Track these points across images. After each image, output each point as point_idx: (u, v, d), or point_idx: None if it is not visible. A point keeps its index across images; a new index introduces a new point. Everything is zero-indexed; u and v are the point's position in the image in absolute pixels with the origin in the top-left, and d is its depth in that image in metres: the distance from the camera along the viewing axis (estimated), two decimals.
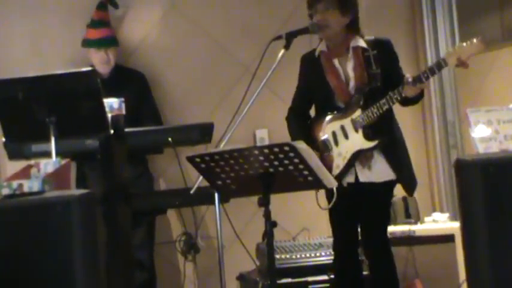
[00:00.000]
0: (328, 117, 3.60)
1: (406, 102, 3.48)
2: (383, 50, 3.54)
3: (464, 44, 3.36)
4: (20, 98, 3.23)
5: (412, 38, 5.07)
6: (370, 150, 3.50)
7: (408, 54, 4.92)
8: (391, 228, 4.32)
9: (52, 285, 2.92)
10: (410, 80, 3.35)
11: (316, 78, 3.64)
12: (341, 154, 3.56)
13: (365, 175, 3.53)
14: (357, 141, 3.51)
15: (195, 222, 4.40)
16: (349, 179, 3.55)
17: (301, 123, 3.72)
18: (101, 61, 4.58)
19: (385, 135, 3.50)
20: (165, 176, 4.77)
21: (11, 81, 3.32)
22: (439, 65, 3.36)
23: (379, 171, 3.52)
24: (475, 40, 3.35)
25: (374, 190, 3.53)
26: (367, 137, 3.49)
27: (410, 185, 3.59)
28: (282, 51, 3.54)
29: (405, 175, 3.55)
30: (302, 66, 3.73)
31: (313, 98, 3.71)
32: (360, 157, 3.52)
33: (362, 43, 3.55)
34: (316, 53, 3.65)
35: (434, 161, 5.01)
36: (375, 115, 3.46)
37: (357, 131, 3.51)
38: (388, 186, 3.55)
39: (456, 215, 4.55)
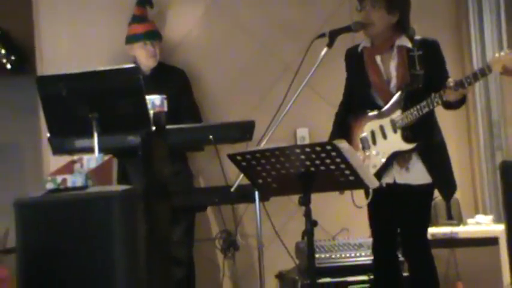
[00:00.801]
0: (368, 115, 3.57)
1: (447, 106, 3.44)
2: (429, 51, 3.49)
3: (511, 51, 3.30)
4: (64, 95, 3.27)
5: (457, 36, 5.00)
6: (408, 152, 3.46)
7: (453, 53, 4.84)
8: (432, 230, 4.27)
9: (93, 280, 2.95)
10: (452, 84, 3.30)
11: (357, 74, 3.61)
12: (378, 154, 3.53)
13: (402, 176, 3.50)
14: (395, 142, 3.48)
15: (234, 220, 4.40)
16: (388, 179, 3.52)
17: (344, 120, 3.69)
18: (148, 54, 4.60)
19: (424, 138, 3.46)
20: (205, 174, 4.78)
21: (55, 78, 3.37)
22: (483, 71, 3.31)
23: (416, 173, 3.48)
24: None
25: (412, 192, 3.50)
26: (406, 138, 3.46)
27: (446, 190, 3.54)
28: (325, 49, 3.52)
29: (442, 180, 3.50)
30: (346, 61, 3.70)
31: (354, 93, 3.68)
32: (397, 158, 3.49)
33: (407, 43, 3.50)
34: (359, 48, 3.63)
35: (478, 162, 4.93)
36: (415, 117, 3.42)
37: (395, 131, 3.48)
38: (426, 189, 3.50)
39: (500, 218, 4.47)
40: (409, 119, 3.44)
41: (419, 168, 3.48)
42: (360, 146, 3.59)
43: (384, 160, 3.51)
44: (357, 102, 3.66)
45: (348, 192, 3.48)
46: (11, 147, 7.59)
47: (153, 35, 4.65)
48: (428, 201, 3.59)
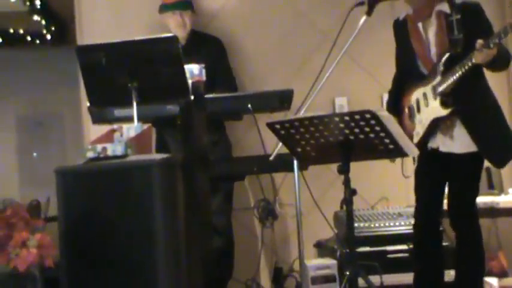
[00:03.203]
0: (415, 84, 3.53)
1: (489, 67, 3.33)
2: (468, 15, 3.39)
3: None
4: (103, 64, 3.28)
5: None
6: (446, 118, 3.40)
7: (495, 10, 4.69)
8: None
9: (133, 247, 2.99)
10: (477, 46, 3.20)
11: (402, 43, 3.57)
12: (421, 121, 3.49)
13: (446, 145, 3.45)
14: (435, 108, 3.43)
15: (273, 189, 4.41)
16: (434, 144, 3.47)
17: (396, 95, 3.66)
18: (176, 24, 4.59)
19: (464, 103, 3.38)
20: (244, 143, 4.79)
21: (95, 47, 3.38)
22: (505, 30, 3.16)
23: (460, 141, 3.41)
24: None
25: (458, 161, 3.43)
26: (444, 104, 3.39)
27: (496, 158, 3.44)
28: (364, 17, 3.48)
29: (489, 147, 3.40)
30: (394, 32, 3.65)
31: (401, 63, 3.63)
32: (440, 125, 3.44)
33: (446, 7, 3.43)
34: (401, 17, 3.57)
35: None
36: (451, 82, 3.34)
37: (435, 98, 3.42)
38: (472, 157, 3.41)
39: None
40: (446, 84, 3.37)
41: (463, 136, 3.40)
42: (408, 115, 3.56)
43: (425, 128, 3.46)
44: (405, 72, 3.60)
45: (391, 163, 3.45)
46: (52, 117, 7.71)
47: (182, 5, 4.63)
48: (476, 170, 3.48)
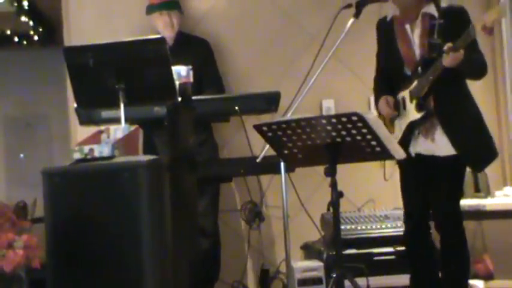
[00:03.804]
0: (399, 88, 3.53)
1: (462, 73, 3.32)
2: (452, 19, 3.39)
3: (489, 11, 3.23)
4: (91, 65, 3.28)
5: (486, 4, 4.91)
6: (420, 121, 3.40)
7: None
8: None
9: (119, 248, 2.99)
10: (445, 48, 3.20)
11: (387, 45, 3.54)
12: (400, 125, 3.50)
13: (427, 148, 3.45)
14: (410, 112, 3.44)
15: (260, 191, 4.42)
16: (416, 149, 3.48)
17: (382, 90, 3.62)
18: (164, 25, 4.58)
19: (441, 107, 3.37)
20: (231, 145, 4.79)
21: (83, 49, 3.38)
22: (469, 33, 3.17)
23: (442, 144, 3.41)
24: (496, 7, 3.26)
25: (441, 163, 3.44)
26: (417, 108, 3.40)
27: (473, 161, 3.46)
28: (351, 20, 3.49)
29: (467, 151, 3.40)
30: (377, 32, 3.63)
31: (386, 66, 3.62)
32: (420, 129, 3.44)
33: (433, 10, 3.43)
34: (388, 18, 3.55)
35: (507, 133, 4.87)
36: (424, 85, 3.34)
37: (411, 102, 3.43)
38: (454, 160, 3.42)
39: None
40: (420, 88, 3.37)
41: (443, 139, 3.40)
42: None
43: (402, 131, 3.47)
44: (389, 73, 3.58)
45: (378, 165, 3.46)
46: (39, 118, 7.69)
47: (169, 5, 4.61)
48: (459, 172, 3.49)
